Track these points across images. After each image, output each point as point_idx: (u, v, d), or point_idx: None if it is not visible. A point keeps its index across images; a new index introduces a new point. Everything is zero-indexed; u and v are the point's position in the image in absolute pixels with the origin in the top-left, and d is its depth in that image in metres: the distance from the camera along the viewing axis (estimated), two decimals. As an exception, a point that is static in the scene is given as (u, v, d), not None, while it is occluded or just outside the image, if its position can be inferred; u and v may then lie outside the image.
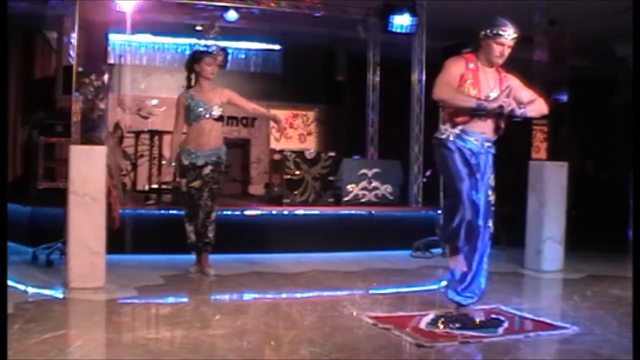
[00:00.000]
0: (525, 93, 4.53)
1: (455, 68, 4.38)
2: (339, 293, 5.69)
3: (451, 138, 4.36)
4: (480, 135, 4.38)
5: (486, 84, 4.40)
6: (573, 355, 3.94)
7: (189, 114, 6.00)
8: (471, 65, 4.39)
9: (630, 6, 5.60)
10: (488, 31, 4.35)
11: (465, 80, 4.35)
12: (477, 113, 4.30)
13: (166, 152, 8.43)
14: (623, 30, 6.57)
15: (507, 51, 4.38)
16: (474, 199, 4.32)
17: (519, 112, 4.33)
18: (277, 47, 12.13)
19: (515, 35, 4.36)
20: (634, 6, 5.41)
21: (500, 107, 4.27)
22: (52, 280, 5.55)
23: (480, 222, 4.34)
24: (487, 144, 4.43)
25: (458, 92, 4.32)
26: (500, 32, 4.33)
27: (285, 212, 7.82)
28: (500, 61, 4.42)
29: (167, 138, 8.30)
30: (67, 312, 4.85)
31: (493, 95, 4.37)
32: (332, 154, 8.34)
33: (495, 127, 4.42)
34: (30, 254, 6.47)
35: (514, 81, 4.53)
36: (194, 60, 6.12)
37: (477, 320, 4.38)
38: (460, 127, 4.35)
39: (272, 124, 6.39)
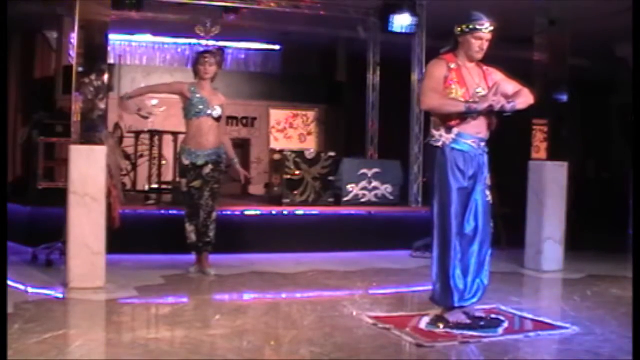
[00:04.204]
0: (510, 86, 4.50)
1: (437, 71, 4.36)
2: (339, 293, 5.69)
3: (447, 143, 4.33)
4: (476, 137, 4.36)
5: (472, 81, 4.37)
6: (573, 355, 3.94)
7: (189, 107, 6.00)
8: (453, 65, 4.36)
9: (630, 6, 5.59)
10: (465, 27, 4.33)
11: (450, 82, 4.32)
12: (468, 115, 4.29)
13: (166, 152, 8.48)
14: (623, 30, 6.57)
15: (486, 45, 4.36)
16: (452, 212, 4.31)
17: (508, 107, 4.30)
18: (277, 47, 12.15)
19: (492, 28, 4.33)
20: (634, 6, 5.40)
21: (490, 106, 4.26)
22: (52, 280, 5.55)
23: (454, 232, 4.33)
24: (482, 144, 4.42)
25: (446, 99, 4.29)
26: (478, 27, 4.31)
27: (285, 212, 7.82)
28: (480, 56, 4.39)
29: (167, 138, 8.34)
30: (67, 312, 4.85)
31: (480, 91, 4.35)
32: (332, 154, 8.33)
33: (488, 125, 4.42)
34: (30, 254, 6.47)
35: (497, 75, 4.50)
36: (194, 61, 6.17)
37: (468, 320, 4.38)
38: (455, 132, 4.32)
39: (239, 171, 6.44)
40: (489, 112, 4.32)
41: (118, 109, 5.96)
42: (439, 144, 4.36)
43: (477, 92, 4.34)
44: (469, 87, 4.35)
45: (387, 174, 8.46)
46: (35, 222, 7.10)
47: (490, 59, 4.49)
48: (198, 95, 5.99)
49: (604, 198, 10.70)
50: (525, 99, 4.45)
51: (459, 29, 4.36)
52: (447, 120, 4.34)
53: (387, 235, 7.93)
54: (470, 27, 4.32)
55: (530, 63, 7.15)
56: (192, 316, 4.66)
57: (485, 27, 4.32)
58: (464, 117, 4.29)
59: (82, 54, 5.50)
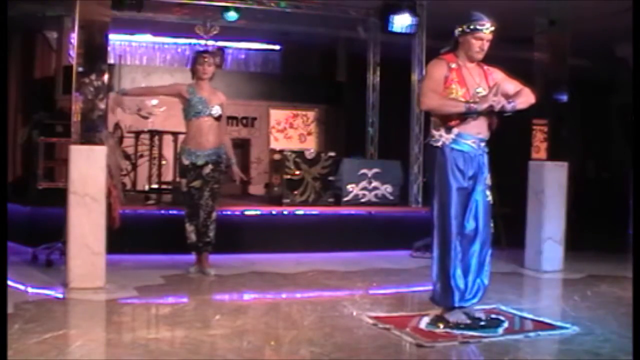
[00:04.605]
0: (510, 85, 4.49)
1: (438, 72, 4.35)
2: (339, 293, 5.69)
3: (447, 143, 4.33)
4: (476, 137, 4.36)
5: (472, 81, 4.37)
6: (573, 355, 3.94)
7: (189, 108, 6.00)
8: (453, 65, 4.36)
9: (630, 6, 5.60)
10: (465, 27, 4.33)
11: (451, 81, 4.32)
12: (468, 115, 4.29)
13: (166, 152, 8.47)
14: (623, 30, 6.57)
15: (486, 45, 4.35)
16: (452, 212, 4.30)
17: (509, 107, 4.30)
18: (277, 47, 12.15)
19: (492, 28, 4.32)
20: (634, 6, 5.40)
21: (491, 106, 4.26)
22: (52, 280, 5.55)
23: (454, 232, 4.32)
24: (482, 144, 4.42)
25: (446, 99, 4.29)
26: (478, 27, 4.30)
27: (285, 212, 7.82)
28: (480, 56, 4.39)
29: (167, 138, 8.33)
30: (67, 312, 4.85)
31: (481, 91, 4.34)
32: (332, 154, 8.33)
33: (489, 125, 4.41)
34: (30, 254, 6.47)
35: (498, 74, 4.50)
36: (192, 61, 6.17)
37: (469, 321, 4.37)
38: (455, 132, 4.31)
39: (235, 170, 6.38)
40: (490, 112, 4.32)
41: (111, 102, 5.92)
42: (439, 144, 4.36)
43: (478, 92, 4.34)
44: (469, 87, 4.34)
45: (387, 174, 8.46)
46: (35, 222, 7.10)
47: (490, 59, 4.49)
48: (197, 96, 5.99)
49: (604, 198, 10.70)
50: (525, 98, 4.44)
51: (460, 29, 4.36)
52: (447, 120, 4.33)
53: (387, 235, 7.93)
54: (471, 27, 4.31)
55: (530, 63, 7.15)
56: (192, 316, 4.66)
57: (486, 28, 4.31)
58: (464, 117, 4.29)
59: (82, 54, 5.50)
